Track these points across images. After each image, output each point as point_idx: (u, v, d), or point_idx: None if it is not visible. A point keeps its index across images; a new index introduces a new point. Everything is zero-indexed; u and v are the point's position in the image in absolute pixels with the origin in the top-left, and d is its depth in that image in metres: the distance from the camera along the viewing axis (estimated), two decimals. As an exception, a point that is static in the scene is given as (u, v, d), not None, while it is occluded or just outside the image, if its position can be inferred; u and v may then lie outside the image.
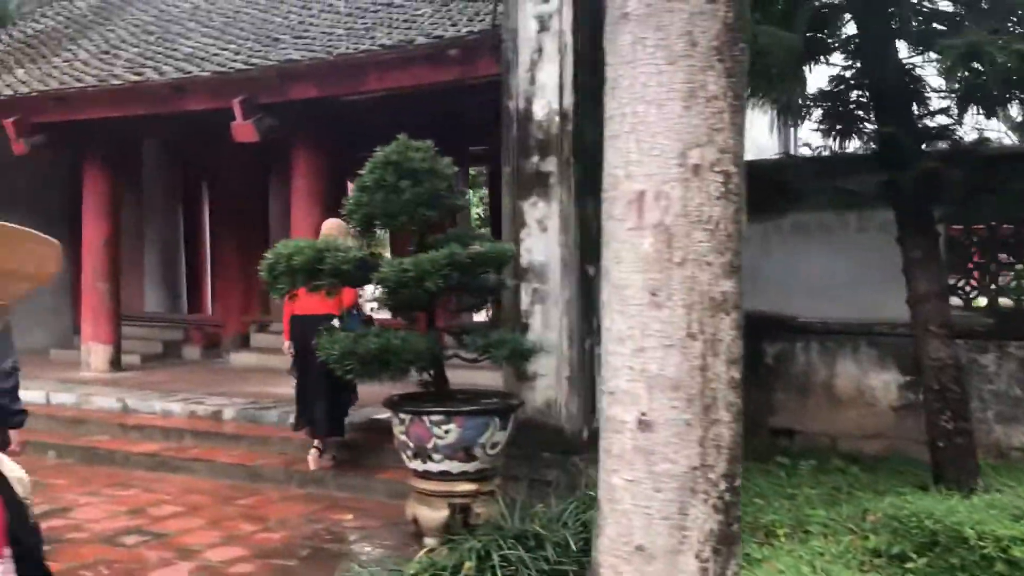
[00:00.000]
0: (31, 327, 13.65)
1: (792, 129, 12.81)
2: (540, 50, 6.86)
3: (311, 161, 9.68)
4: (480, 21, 7.88)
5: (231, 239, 12.86)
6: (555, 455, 6.68)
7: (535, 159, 6.88)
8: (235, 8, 10.92)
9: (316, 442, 7.29)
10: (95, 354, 11.07)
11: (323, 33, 8.96)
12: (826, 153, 8.54)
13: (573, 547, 4.90)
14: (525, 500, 6.11)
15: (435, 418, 5.65)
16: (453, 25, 8.06)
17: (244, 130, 8.97)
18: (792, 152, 12.54)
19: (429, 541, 5.74)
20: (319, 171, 9.76)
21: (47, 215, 13.23)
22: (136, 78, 9.21)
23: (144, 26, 11.42)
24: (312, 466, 7.26)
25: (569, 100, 6.79)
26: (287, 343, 7.47)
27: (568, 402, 6.77)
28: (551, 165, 6.81)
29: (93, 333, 11.11)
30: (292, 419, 7.55)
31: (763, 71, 6.11)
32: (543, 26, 6.86)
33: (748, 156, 2.56)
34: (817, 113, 7.67)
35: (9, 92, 10.12)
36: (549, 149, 6.82)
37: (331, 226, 7.06)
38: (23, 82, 10.34)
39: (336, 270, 5.53)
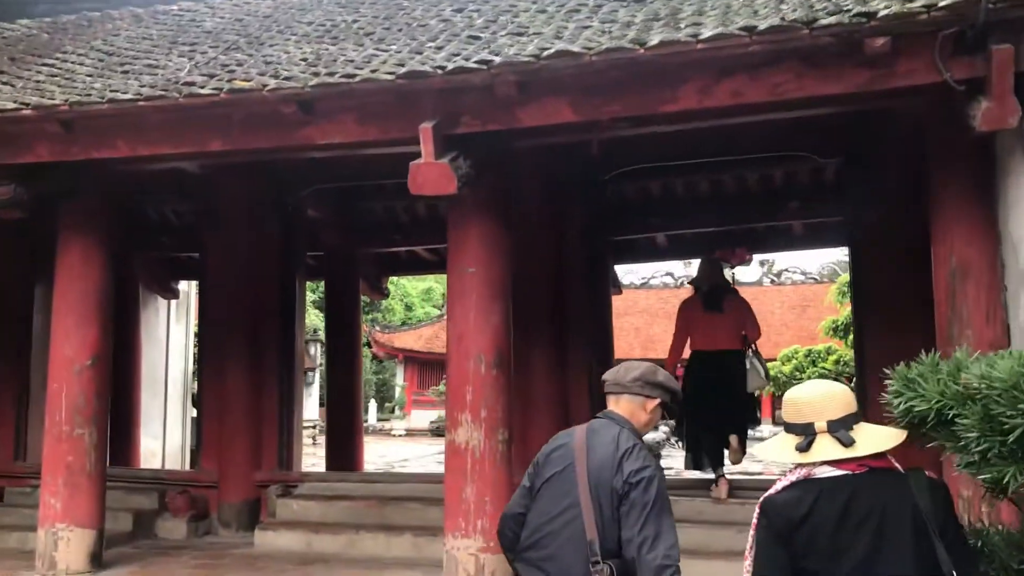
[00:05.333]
0: None
1: None
2: None
3: (491, 231, 6.19)
4: None
5: (234, 356, 8.85)
6: None
7: None
8: (326, 14, 7.39)
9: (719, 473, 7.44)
10: (70, 544, 6.73)
11: (562, 26, 5.69)
12: None
13: None
14: None
15: None
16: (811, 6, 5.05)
17: (434, 175, 5.44)
18: None
19: None
20: (500, 247, 6.27)
21: None
22: (245, 84, 5.50)
23: (156, 39, 7.67)
24: (723, 495, 7.27)
25: None
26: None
27: None
28: None
29: (66, 510, 6.80)
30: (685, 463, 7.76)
31: None
32: None
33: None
34: None
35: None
36: None
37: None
38: (-11, 99, 6.31)
39: None
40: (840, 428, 2.49)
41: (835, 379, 16.90)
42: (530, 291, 7.63)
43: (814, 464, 2.49)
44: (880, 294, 7.72)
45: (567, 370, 8.22)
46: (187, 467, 13.04)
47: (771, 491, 2.55)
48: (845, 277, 16.13)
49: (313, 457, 18.63)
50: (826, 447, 2.48)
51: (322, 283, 16.69)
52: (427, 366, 40.02)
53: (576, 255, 8.51)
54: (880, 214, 7.58)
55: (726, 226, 10.10)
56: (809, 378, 16.27)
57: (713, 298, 7.71)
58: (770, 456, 2.63)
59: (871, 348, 7.84)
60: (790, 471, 2.56)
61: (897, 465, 2.52)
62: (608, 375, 3.38)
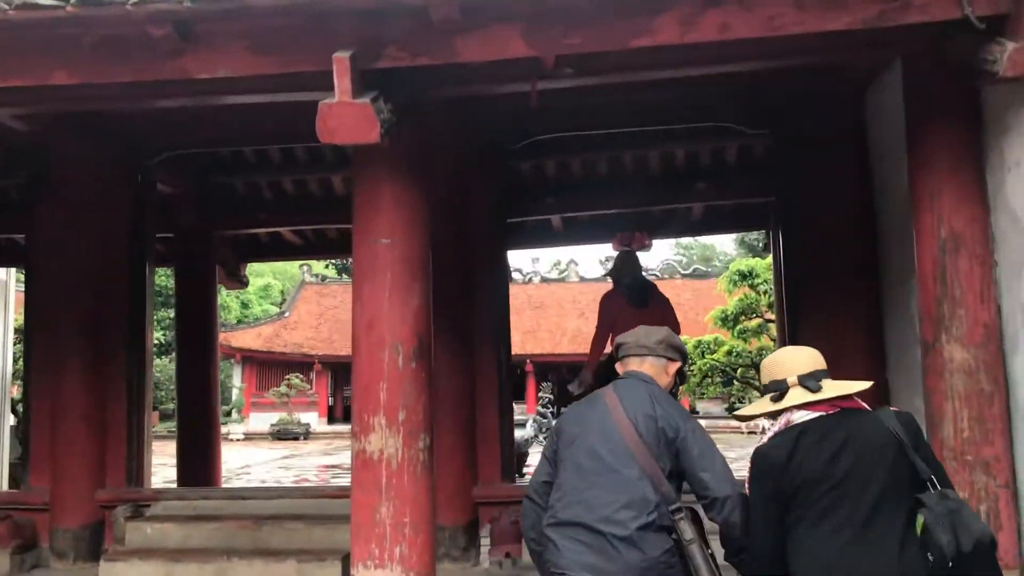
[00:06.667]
0: None
1: None
2: None
3: (410, 196, 5.12)
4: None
5: (70, 355, 7.36)
6: None
7: None
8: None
9: None
10: None
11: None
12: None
13: None
14: None
15: None
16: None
17: (352, 118, 4.35)
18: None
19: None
20: (420, 216, 5.20)
21: None
22: (103, -6, 4.23)
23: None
24: None
25: None
26: (589, 375, 7.52)
27: None
28: None
29: None
30: None
31: None
32: None
33: None
34: None
35: None
36: None
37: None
38: None
39: None
40: (809, 380, 2.86)
41: (724, 370, 16.95)
42: (437, 273, 6.58)
43: (790, 410, 2.85)
44: (811, 277, 7.13)
45: (474, 364, 7.24)
46: (5, 486, 11.25)
47: (760, 443, 2.87)
48: (737, 264, 15.86)
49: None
50: (797, 394, 2.85)
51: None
52: (267, 367, 38.02)
53: (481, 236, 7.53)
54: (813, 192, 6.97)
55: (636, 208, 9.37)
56: (700, 369, 16.02)
57: (638, 293, 7.70)
58: (748, 412, 3.14)
59: (805, 332, 7.22)
60: (772, 425, 2.91)
61: (866, 406, 2.87)
62: (627, 338, 3.46)
